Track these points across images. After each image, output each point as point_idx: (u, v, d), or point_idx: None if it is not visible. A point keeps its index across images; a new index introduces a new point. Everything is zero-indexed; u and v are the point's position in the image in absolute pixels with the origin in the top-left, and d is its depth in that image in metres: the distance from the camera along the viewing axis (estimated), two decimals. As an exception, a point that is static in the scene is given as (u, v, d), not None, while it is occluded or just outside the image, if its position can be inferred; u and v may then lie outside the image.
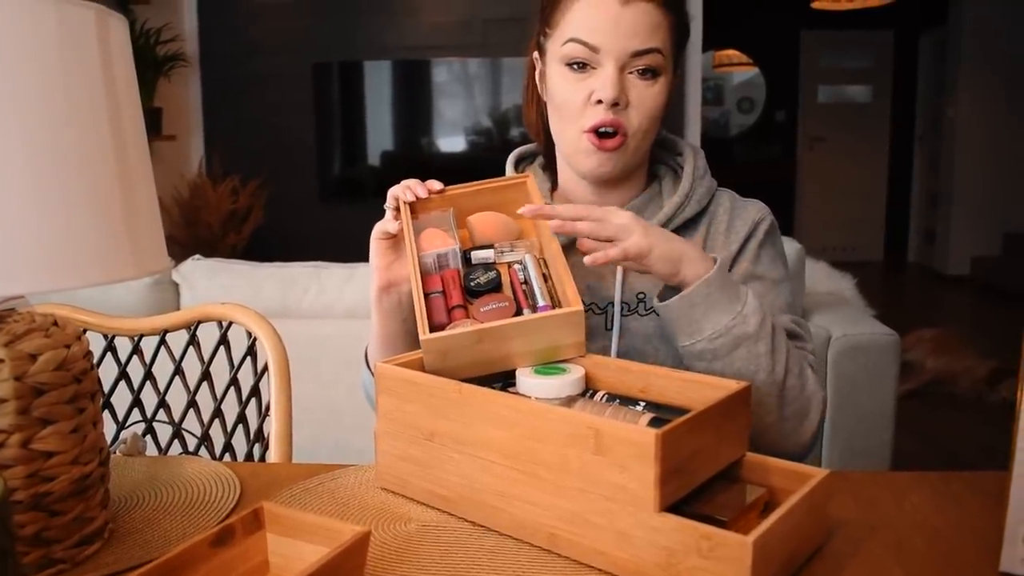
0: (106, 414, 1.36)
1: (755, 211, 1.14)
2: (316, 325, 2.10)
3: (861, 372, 2.03)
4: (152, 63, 4.31)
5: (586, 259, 0.91)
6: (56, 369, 0.75)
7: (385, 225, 1.05)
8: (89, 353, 0.81)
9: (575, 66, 1.03)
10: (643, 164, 1.14)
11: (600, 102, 1.02)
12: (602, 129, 1.03)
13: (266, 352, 1.29)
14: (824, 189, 8.59)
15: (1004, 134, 7.13)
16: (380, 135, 5.30)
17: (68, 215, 0.68)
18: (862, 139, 8.54)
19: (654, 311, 1.07)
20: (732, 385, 0.81)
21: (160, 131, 4.45)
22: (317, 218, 5.01)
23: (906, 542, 0.80)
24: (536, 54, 1.13)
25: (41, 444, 0.74)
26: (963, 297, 6.75)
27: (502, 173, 1.20)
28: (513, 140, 5.39)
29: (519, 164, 1.22)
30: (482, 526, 0.83)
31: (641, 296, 1.09)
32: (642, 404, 0.84)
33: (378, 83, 5.15)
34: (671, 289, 1.00)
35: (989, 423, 3.63)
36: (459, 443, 0.83)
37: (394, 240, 1.06)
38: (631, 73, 1.02)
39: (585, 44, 1.01)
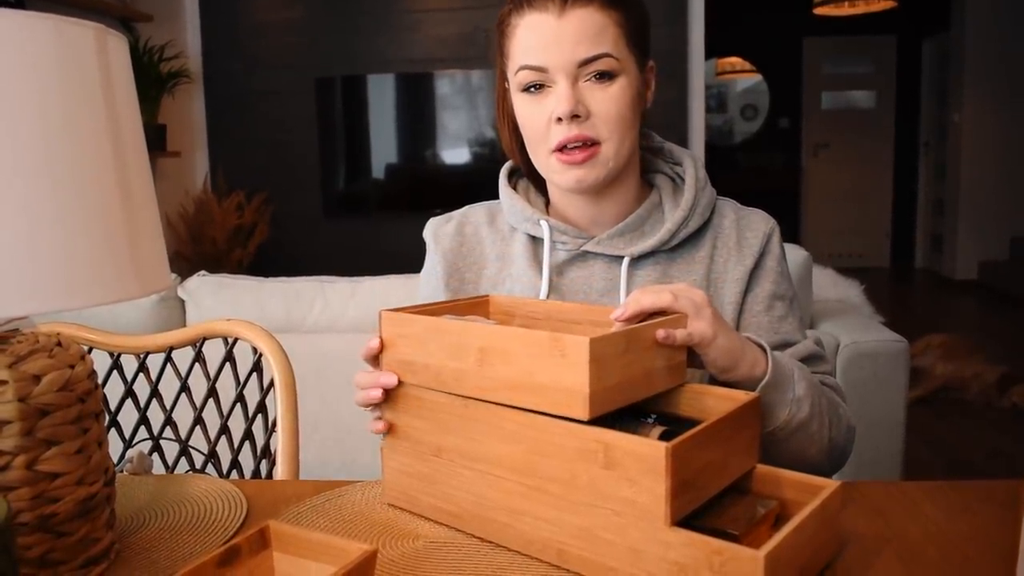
0: (113, 432, 1.36)
1: (763, 222, 1.11)
2: (322, 340, 2.10)
3: (870, 380, 2.01)
4: (156, 80, 4.32)
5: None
6: (60, 390, 0.74)
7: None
8: (93, 373, 0.80)
9: (531, 90, 1.01)
10: (633, 171, 1.10)
11: (560, 120, 0.99)
12: (568, 146, 1.00)
13: (272, 368, 1.28)
14: (829, 195, 8.58)
15: (1009, 138, 7.12)
16: (384, 148, 5.31)
17: (70, 235, 0.67)
18: (867, 145, 8.53)
19: None
20: (741, 396, 0.80)
21: (165, 148, 4.46)
22: (322, 232, 5.02)
23: (920, 554, 0.79)
24: (506, 83, 1.09)
25: (46, 465, 0.74)
26: (971, 302, 6.73)
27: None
28: (516, 151, 5.38)
29: (511, 177, 1.18)
30: (491, 542, 0.82)
31: None
32: (652, 417, 0.83)
33: (381, 96, 5.17)
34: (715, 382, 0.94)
35: (999, 429, 3.60)
36: (466, 459, 0.83)
37: None
38: (586, 81, 0.99)
39: (533, 68, 0.99)
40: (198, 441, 1.35)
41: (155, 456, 1.36)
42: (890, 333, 2.09)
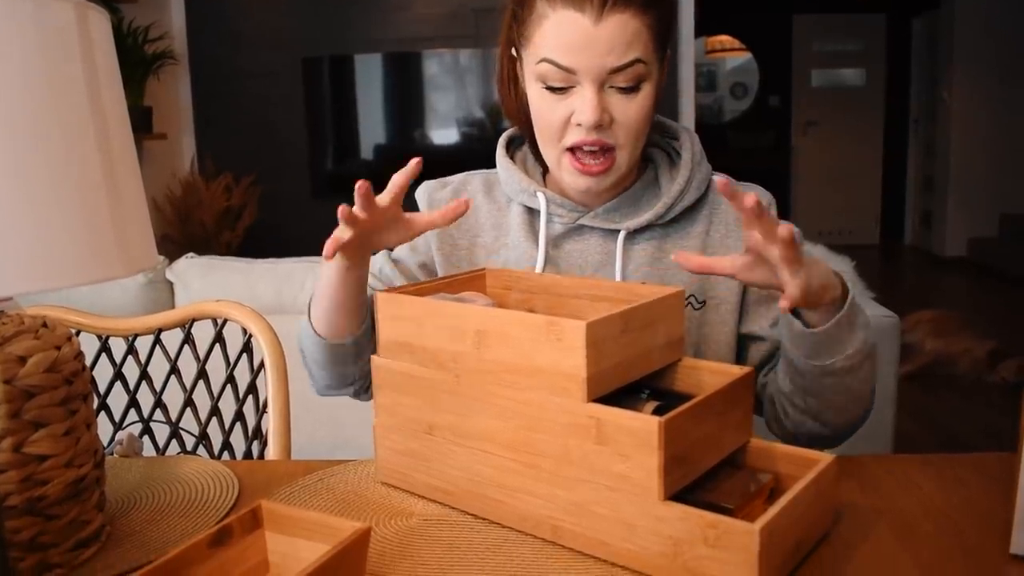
0: (103, 415, 1.35)
1: (762, 197, 1.07)
2: (312, 321, 2.09)
3: (861, 355, 2.02)
4: (141, 62, 4.27)
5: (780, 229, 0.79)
6: (46, 371, 0.74)
7: (341, 234, 0.89)
8: (80, 354, 0.79)
9: (552, 86, 0.97)
10: None
11: (580, 125, 0.97)
12: (586, 148, 0.98)
13: (262, 349, 1.27)
14: (819, 173, 8.58)
15: (999, 115, 7.12)
16: (372, 129, 5.27)
17: (53, 214, 0.66)
18: (856, 123, 8.52)
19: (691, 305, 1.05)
20: (735, 371, 0.80)
21: (151, 130, 4.42)
22: (311, 213, 4.98)
23: (914, 526, 0.79)
24: (513, 50, 1.05)
25: (34, 447, 0.73)
26: (960, 279, 6.75)
27: (495, 164, 1.18)
28: (506, 130, 5.36)
29: (509, 146, 1.16)
30: (485, 519, 0.82)
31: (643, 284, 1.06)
32: (646, 392, 0.82)
33: (369, 76, 5.13)
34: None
35: (989, 404, 3.62)
36: (458, 436, 0.82)
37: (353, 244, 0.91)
38: (611, 87, 0.96)
39: (559, 66, 0.95)
40: (189, 423, 1.34)
41: (145, 438, 1.35)
42: (881, 309, 2.08)
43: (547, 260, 1.07)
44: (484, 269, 1.01)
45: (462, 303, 0.83)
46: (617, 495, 0.71)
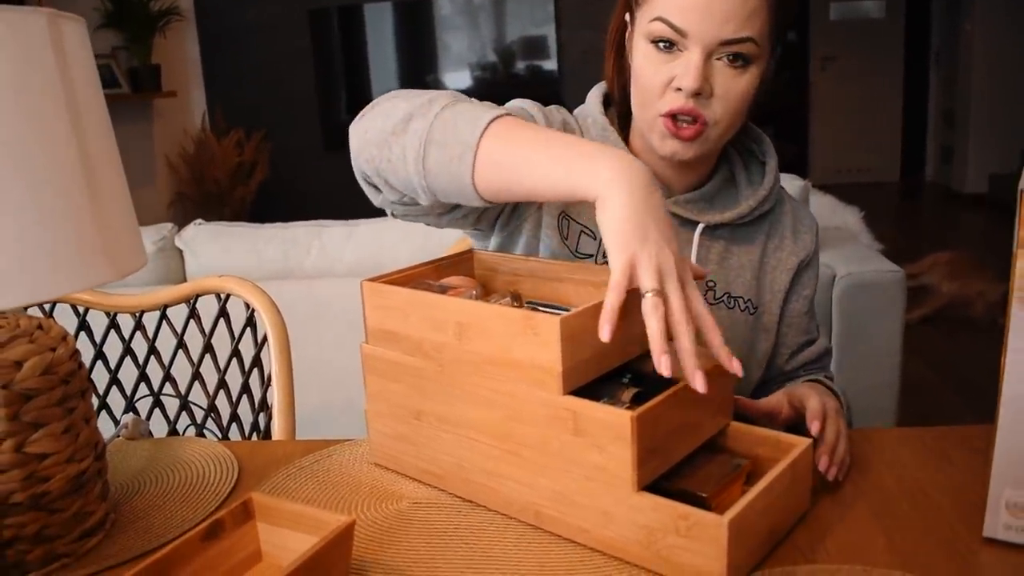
0: (114, 389, 1.39)
1: (812, 219, 1.15)
2: (320, 285, 2.11)
3: (867, 310, 2.01)
4: (147, 20, 4.26)
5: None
6: (43, 374, 0.76)
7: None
8: (76, 352, 0.82)
9: (660, 45, 0.94)
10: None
11: (680, 90, 0.94)
12: (679, 116, 0.96)
13: (264, 324, 1.30)
14: (838, 110, 8.42)
15: (1021, 46, 6.94)
16: (384, 77, 5.24)
17: (37, 227, 0.68)
18: (876, 57, 8.33)
19: (722, 302, 1.07)
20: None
21: (160, 88, 4.42)
22: (323, 166, 5.00)
23: (892, 506, 0.80)
24: (627, 15, 1.03)
25: (34, 447, 0.76)
26: (980, 216, 6.66)
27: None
28: (519, 73, 5.32)
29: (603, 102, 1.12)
30: (472, 502, 0.85)
31: (711, 284, 1.07)
32: (628, 377, 0.84)
33: (379, 25, 5.08)
34: None
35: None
36: (445, 422, 0.84)
37: None
38: (719, 59, 0.93)
39: (672, 26, 0.92)
40: (197, 396, 1.38)
41: (156, 411, 1.39)
42: (887, 263, 2.07)
43: None
44: (471, 251, 1.02)
45: (442, 295, 0.84)
46: (594, 484, 0.73)
